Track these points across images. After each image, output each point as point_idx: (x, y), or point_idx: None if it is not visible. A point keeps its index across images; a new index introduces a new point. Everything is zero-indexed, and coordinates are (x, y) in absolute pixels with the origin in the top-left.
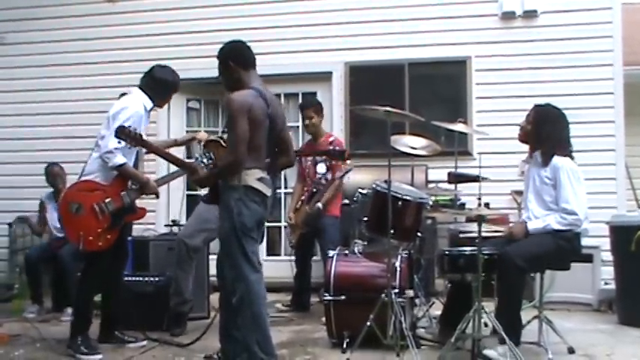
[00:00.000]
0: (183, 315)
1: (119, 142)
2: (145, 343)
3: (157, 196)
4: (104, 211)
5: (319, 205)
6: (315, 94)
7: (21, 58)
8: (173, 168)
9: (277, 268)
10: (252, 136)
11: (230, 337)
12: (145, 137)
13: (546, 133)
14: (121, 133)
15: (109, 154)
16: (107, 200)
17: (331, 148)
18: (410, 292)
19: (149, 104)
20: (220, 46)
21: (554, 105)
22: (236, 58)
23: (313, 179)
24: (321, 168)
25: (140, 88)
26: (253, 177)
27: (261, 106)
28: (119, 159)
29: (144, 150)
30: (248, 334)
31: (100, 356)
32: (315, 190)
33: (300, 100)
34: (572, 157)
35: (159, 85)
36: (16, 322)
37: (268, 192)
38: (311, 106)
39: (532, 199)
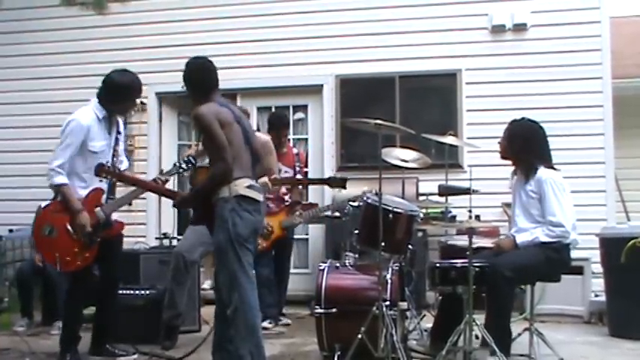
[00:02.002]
0: (175, 328)
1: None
2: (135, 356)
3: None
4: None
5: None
6: (306, 106)
7: (15, 70)
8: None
9: None
10: (228, 142)
11: (223, 351)
12: (123, 171)
13: (523, 148)
14: (101, 171)
15: (50, 172)
16: None
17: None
18: (403, 305)
19: (101, 113)
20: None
21: (530, 118)
22: (196, 82)
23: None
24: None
25: (98, 96)
26: (242, 185)
27: (227, 111)
28: (59, 179)
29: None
30: (242, 346)
31: None
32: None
33: (292, 113)
34: (555, 169)
35: (111, 90)
36: (5, 335)
37: (260, 197)
38: (288, 125)
39: (519, 214)
